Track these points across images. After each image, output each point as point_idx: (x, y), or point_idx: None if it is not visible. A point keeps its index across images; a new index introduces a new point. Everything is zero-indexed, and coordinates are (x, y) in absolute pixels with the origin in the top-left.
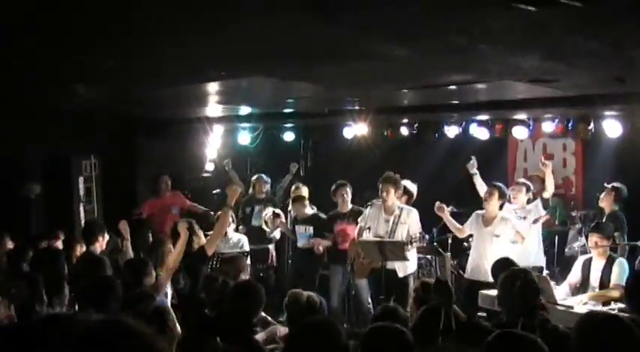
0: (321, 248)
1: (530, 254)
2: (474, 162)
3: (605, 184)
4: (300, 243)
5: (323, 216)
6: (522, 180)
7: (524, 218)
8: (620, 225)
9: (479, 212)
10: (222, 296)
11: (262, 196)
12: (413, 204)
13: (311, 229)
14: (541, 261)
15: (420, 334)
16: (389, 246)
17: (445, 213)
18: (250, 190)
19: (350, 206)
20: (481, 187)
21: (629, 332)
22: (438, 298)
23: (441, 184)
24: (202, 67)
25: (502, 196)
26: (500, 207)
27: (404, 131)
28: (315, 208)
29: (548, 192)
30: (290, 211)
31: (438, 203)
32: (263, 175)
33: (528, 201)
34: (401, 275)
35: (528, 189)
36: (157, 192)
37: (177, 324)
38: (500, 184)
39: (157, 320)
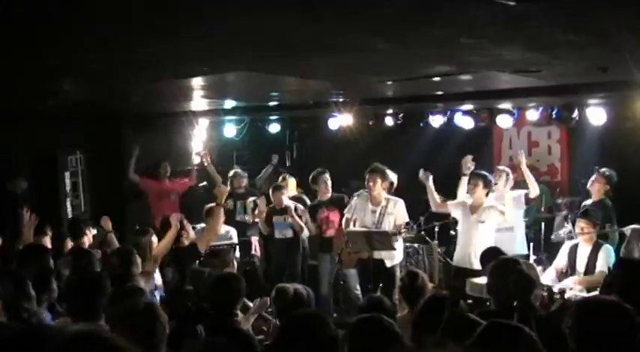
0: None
1: (516, 241)
2: (466, 160)
3: (596, 168)
4: (280, 233)
5: (300, 206)
6: (502, 166)
7: (505, 205)
8: (608, 214)
9: (466, 200)
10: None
11: (242, 191)
12: (399, 194)
13: (289, 219)
14: (525, 249)
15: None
16: (376, 236)
17: (429, 180)
18: (228, 186)
19: (330, 193)
20: (462, 190)
21: (629, 317)
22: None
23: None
24: (186, 63)
25: (487, 185)
26: (486, 195)
27: (389, 121)
28: (306, 196)
29: (533, 193)
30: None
31: (422, 171)
32: (239, 170)
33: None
34: (389, 265)
35: (507, 176)
36: (155, 176)
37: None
38: (485, 173)
39: (148, 315)
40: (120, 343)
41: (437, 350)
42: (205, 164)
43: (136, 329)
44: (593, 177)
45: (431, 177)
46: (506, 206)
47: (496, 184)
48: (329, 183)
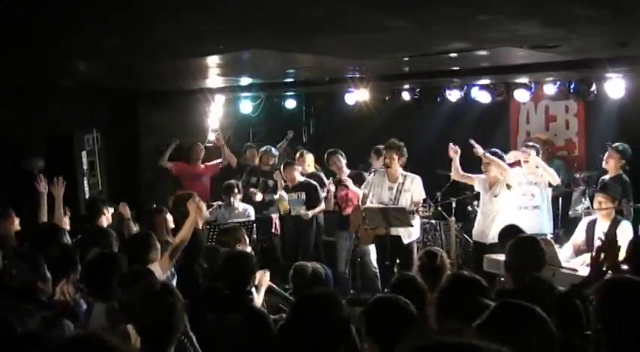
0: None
1: (543, 220)
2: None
3: (608, 143)
4: (294, 210)
5: (314, 182)
6: (531, 142)
7: (535, 183)
8: (625, 189)
9: (484, 178)
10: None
11: (267, 168)
12: (415, 170)
13: (303, 195)
14: (550, 228)
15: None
16: (393, 212)
17: (456, 155)
18: (256, 161)
19: (347, 171)
20: (456, 171)
21: None
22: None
23: (444, 149)
24: (201, 41)
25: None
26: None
27: (405, 96)
28: (323, 173)
29: (553, 181)
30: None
31: (451, 144)
32: (273, 148)
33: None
34: (406, 241)
35: (538, 152)
36: (189, 160)
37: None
38: (495, 150)
39: (165, 295)
40: (119, 346)
41: (453, 336)
42: (219, 145)
43: (155, 310)
44: (606, 154)
45: (459, 152)
46: (539, 184)
47: (525, 162)
48: (340, 162)
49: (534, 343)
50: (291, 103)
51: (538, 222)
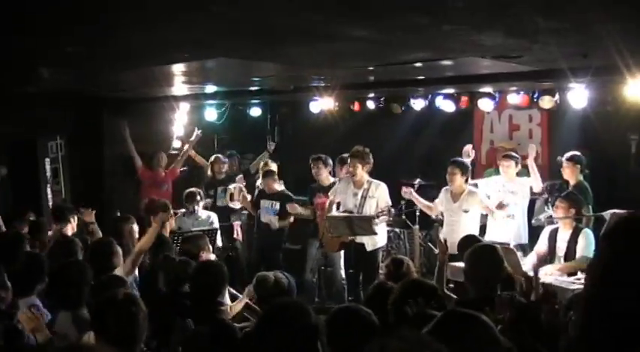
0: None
1: (518, 230)
2: (466, 149)
3: (559, 158)
4: (265, 218)
5: (290, 194)
6: (512, 153)
7: (512, 192)
8: (586, 197)
9: (447, 187)
10: (179, 275)
11: (222, 177)
12: (380, 177)
13: (277, 205)
14: (525, 238)
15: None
16: (357, 220)
17: (412, 195)
18: (209, 172)
19: (332, 180)
20: (427, 207)
21: None
22: None
23: (408, 157)
24: (166, 50)
25: (464, 172)
26: (466, 181)
27: (370, 105)
28: (283, 184)
29: (535, 187)
30: (257, 186)
31: (403, 188)
32: (220, 156)
33: (518, 174)
34: (369, 249)
35: (517, 162)
36: (151, 167)
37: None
38: (460, 159)
39: (128, 305)
40: None
41: (395, 341)
42: (186, 145)
43: (117, 319)
44: (562, 167)
45: (413, 191)
46: (516, 193)
47: (506, 172)
48: (324, 169)
49: (479, 350)
50: (255, 111)
51: (512, 230)
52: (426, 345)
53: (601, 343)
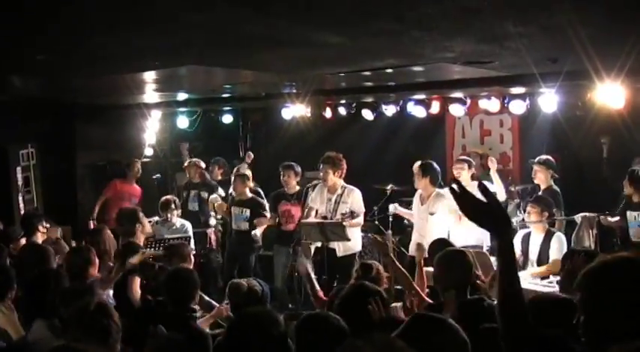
0: (258, 232)
1: (481, 233)
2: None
3: (531, 161)
4: (235, 225)
5: (261, 200)
6: (463, 156)
7: None
8: (557, 201)
9: (419, 191)
10: (159, 283)
11: (197, 181)
12: (353, 183)
13: (247, 212)
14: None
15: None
16: (329, 227)
17: (398, 210)
18: (186, 175)
19: (297, 188)
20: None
21: None
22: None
23: (381, 162)
24: (136, 58)
25: (426, 173)
26: (432, 183)
27: (342, 111)
28: (259, 188)
29: (499, 196)
30: (230, 193)
31: (391, 207)
32: (195, 160)
33: (473, 178)
34: (340, 254)
35: (470, 165)
36: (127, 177)
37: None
38: (428, 162)
39: (100, 314)
40: None
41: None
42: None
43: (90, 329)
44: (533, 171)
45: (397, 206)
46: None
47: (458, 176)
48: (294, 178)
49: None
50: (227, 118)
51: (475, 234)
52: (396, 349)
53: None
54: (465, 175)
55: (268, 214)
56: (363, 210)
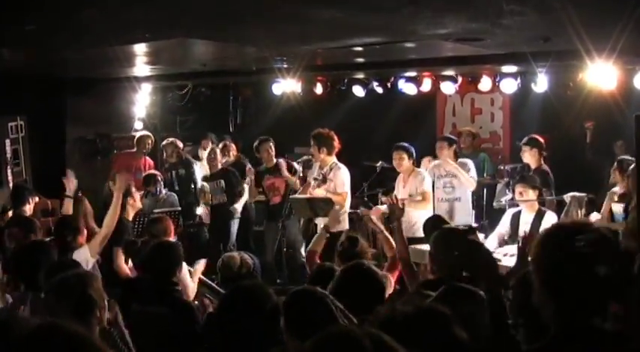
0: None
1: (463, 211)
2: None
3: (518, 142)
4: (216, 199)
5: (232, 169)
6: (445, 134)
7: (455, 176)
8: (547, 181)
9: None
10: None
11: (173, 160)
12: (343, 160)
13: (222, 183)
14: (471, 219)
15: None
16: (317, 202)
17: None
18: (164, 156)
19: (275, 160)
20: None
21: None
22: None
23: (371, 139)
24: (126, 29)
25: (411, 156)
26: (418, 165)
27: (333, 87)
28: (248, 161)
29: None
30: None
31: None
32: (172, 139)
33: (456, 155)
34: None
35: (451, 143)
36: (136, 151)
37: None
38: (407, 145)
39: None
40: (87, 336)
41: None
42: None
43: (67, 300)
44: (523, 150)
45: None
46: (456, 176)
47: (440, 154)
48: (272, 150)
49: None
50: (218, 93)
51: (459, 214)
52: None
53: None
54: (445, 153)
55: (245, 184)
56: (346, 190)
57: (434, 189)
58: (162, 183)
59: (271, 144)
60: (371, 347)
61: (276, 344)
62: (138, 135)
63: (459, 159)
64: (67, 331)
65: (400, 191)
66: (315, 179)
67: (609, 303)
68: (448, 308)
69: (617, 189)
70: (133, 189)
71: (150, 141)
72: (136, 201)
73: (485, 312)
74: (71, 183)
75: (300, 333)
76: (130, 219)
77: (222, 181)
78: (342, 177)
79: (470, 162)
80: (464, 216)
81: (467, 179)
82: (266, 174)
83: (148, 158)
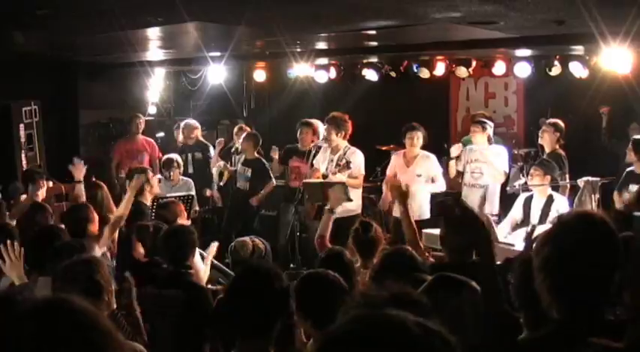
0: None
1: (489, 199)
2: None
3: (542, 120)
4: (239, 183)
5: (263, 162)
6: (480, 118)
7: (485, 162)
8: (561, 165)
9: (398, 152)
10: (155, 243)
11: (191, 142)
12: (356, 143)
13: (249, 172)
14: (496, 209)
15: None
16: (331, 186)
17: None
18: (180, 137)
19: (310, 146)
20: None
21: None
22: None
23: (384, 123)
24: (139, 13)
25: (424, 137)
26: (425, 148)
27: (347, 71)
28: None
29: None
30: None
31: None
32: (190, 121)
33: (490, 140)
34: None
35: (484, 128)
36: (128, 134)
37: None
38: (415, 124)
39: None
40: (95, 312)
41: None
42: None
43: (75, 286)
44: (541, 130)
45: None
46: (487, 163)
47: (474, 139)
48: (311, 136)
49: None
50: (232, 77)
51: (484, 200)
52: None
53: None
54: (479, 138)
55: (272, 179)
56: (363, 173)
57: (463, 174)
58: (181, 168)
59: (311, 129)
60: (420, 333)
61: (285, 324)
62: (129, 117)
63: (493, 147)
64: (75, 306)
65: (406, 172)
66: (339, 165)
67: (610, 291)
68: (431, 301)
69: (633, 168)
70: (150, 174)
71: (140, 121)
72: (154, 187)
73: (477, 304)
74: (78, 171)
75: (311, 316)
76: (149, 203)
77: (250, 170)
78: (359, 161)
79: (504, 152)
80: (489, 203)
81: (496, 169)
82: (294, 154)
83: (145, 138)
